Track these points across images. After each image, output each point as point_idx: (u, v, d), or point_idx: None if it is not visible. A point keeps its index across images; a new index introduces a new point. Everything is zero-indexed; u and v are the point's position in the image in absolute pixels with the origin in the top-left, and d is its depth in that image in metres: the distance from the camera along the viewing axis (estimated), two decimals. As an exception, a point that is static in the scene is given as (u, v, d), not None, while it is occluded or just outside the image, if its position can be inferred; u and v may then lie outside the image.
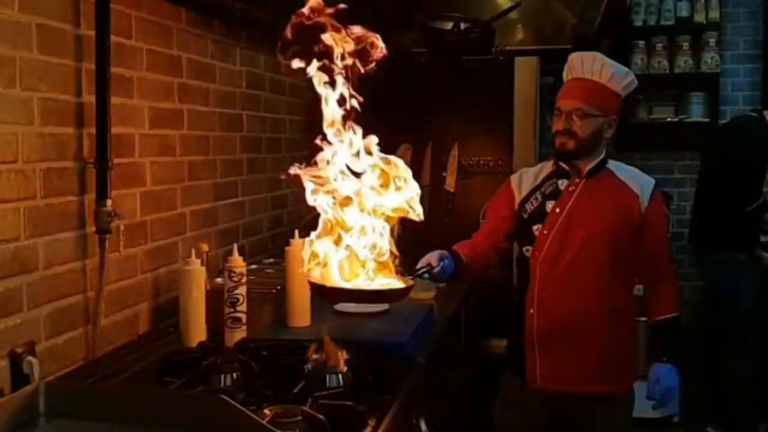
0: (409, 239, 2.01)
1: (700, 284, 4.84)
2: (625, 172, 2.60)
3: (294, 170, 1.84)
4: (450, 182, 3.77)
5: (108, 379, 1.99)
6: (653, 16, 5.41)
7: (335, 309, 2.58)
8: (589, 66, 2.52)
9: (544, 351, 2.54)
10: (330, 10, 1.80)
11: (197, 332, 2.30)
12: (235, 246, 2.39)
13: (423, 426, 2.09)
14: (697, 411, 4.49)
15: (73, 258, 2.03)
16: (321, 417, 1.63)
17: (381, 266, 1.89)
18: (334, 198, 1.85)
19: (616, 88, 2.53)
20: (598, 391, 2.53)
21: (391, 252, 1.89)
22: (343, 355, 1.96)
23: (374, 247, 1.86)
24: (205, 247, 2.47)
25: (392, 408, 1.83)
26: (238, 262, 2.33)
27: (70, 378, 1.95)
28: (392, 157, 1.91)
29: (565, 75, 2.59)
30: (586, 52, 2.59)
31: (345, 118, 1.82)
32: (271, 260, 2.93)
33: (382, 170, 1.88)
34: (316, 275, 1.87)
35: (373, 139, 1.87)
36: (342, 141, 1.83)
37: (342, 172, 1.85)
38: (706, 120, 5.33)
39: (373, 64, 1.82)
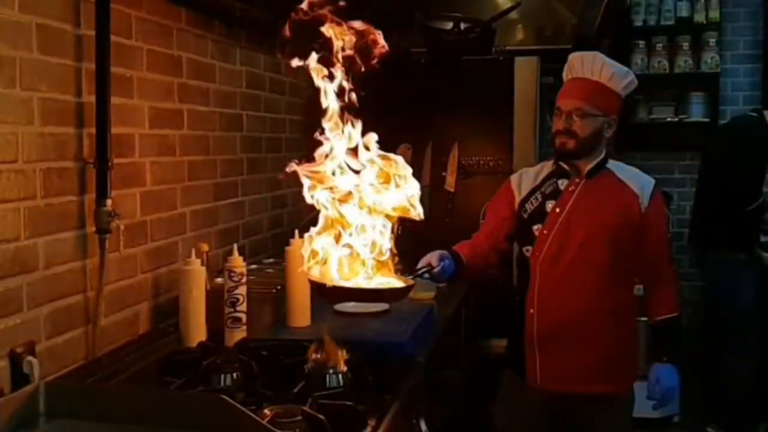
0: (409, 239, 2.01)
1: (700, 284, 4.83)
2: (625, 171, 2.60)
3: (292, 167, 1.83)
4: (450, 182, 3.77)
5: (108, 379, 2.00)
6: (653, 16, 5.41)
7: (335, 309, 2.58)
8: (589, 66, 2.52)
9: (544, 351, 2.54)
10: (329, 8, 1.80)
11: (197, 332, 2.30)
12: (235, 246, 2.39)
13: (423, 426, 2.08)
14: (697, 411, 4.49)
15: (73, 258, 2.03)
16: (321, 417, 1.63)
17: (381, 265, 1.89)
18: (332, 193, 1.84)
19: (616, 88, 2.53)
20: (598, 391, 2.53)
21: (391, 251, 1.88)
22: (343, 355, 1.96)
23: (374, 245, 1.86)
24: (205, 247, 2.47)
25: (392, 408, 1.84)
26: (238, 262, 2.33)
27: (70, 378, 1.95)
28: (392, 155, 1.90)
29: (565, 75, 2.59)
30: (586, 52, 2.59)
31: (343, 110, 1.82)
32: (271, 260, 2.93)
33: (382, 167, 1.87)
34: (316, 273, 1.87)
35: (373, 137, 1.87)
36: (341, 134, 1.83)
37: (340, 167, 1.85)
38: (706, 120, 5.33)
39: (375, 61, 1.82)
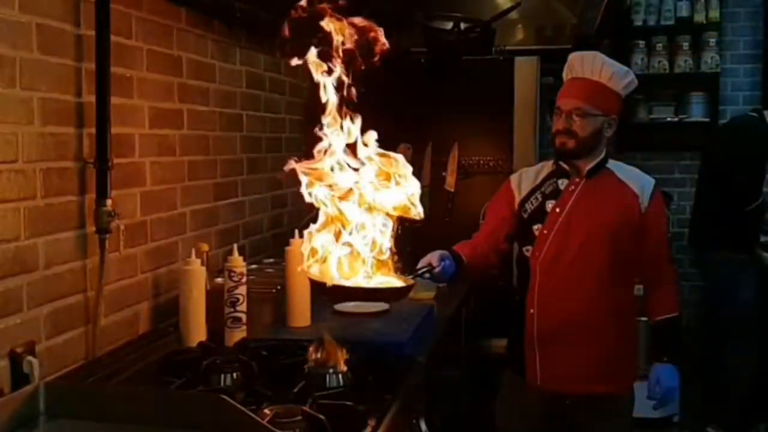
0: (409, 239, 2.01)
1: (700, 284, 4.83)
2: (625, 171, 2.60)
3: (290, 165, 1.83)
4: (450, 182, 3.77)
5: (108, 379, 1.99)
6: (653, 16, 5.41)
7: (335, 309, 2.58)
8: (589, 66, 2.52)
9: (544, 351, 2.54)
10: (329, 5, 1.80)
11: (197, 332, 2.30)
12: (235, 246, 2.39)
13: (423, 426, 2.09)
14: (697, 411, 4.49)
15: (73, 258, 2.03)
16: (321, 417, 1.63)
17: (381, 264, 1.89)
18: (331, 190, 1.83)
19: (616, 88, 2.53)
20: (598, 391, 2.53)
21: (391, 250, 1.88)
22: (343, 355, 1.96)
23: (374, 244, 1.86)
24: (205, 247, 2.47)
25: (392, 408, 1.84)
26: (238, 262, 2.33)
27: (70, 378, 1.95)
28: (392, 153, 1.90)
29: (565, 75, 2.59)
30: (586, 51, 2.59)
31: (341, 104, 1.81)
32: (271, 260, 2.92)
33: (382, 166, 1.87)
34: (315, 272, 1.87)
35: (372, 134, 1.86)
36: (340, 129, 1.82)
37: (339, 163, 1.84)
38: (706, 120, 5.33)
39: (376, 58, 1.82)
